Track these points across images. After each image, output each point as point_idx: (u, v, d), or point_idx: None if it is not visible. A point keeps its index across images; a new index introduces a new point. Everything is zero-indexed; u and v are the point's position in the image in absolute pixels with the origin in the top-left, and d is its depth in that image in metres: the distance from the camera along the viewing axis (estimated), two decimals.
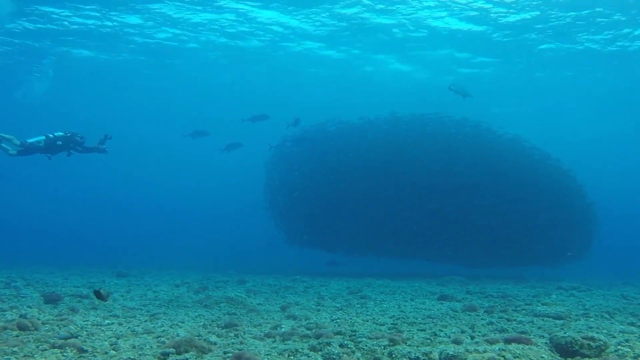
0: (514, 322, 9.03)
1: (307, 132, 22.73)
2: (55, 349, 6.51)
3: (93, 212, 56.58)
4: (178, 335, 7.57)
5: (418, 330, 8.23)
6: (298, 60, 33.13)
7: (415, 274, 20.90)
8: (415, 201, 20.50)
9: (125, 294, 12.95)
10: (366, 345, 6.87)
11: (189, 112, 46.89)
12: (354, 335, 7.69)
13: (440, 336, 7.71)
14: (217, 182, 58.09)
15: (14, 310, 9.47)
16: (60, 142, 14.53)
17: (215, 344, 7.07)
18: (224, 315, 9.67)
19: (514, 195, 20.15)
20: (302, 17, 26.50)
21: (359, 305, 11.28)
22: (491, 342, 7.12)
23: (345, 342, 6.99)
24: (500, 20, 25.37)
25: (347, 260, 23.44)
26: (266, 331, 8.07)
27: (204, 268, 24.72)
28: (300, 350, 6.66)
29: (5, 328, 7.55)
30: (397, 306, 11.24)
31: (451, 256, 21.22)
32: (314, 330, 8.05)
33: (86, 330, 7.78)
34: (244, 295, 11.74)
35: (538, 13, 24.29)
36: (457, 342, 7.22)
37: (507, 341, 6.96)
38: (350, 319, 9.37)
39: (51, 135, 14.55)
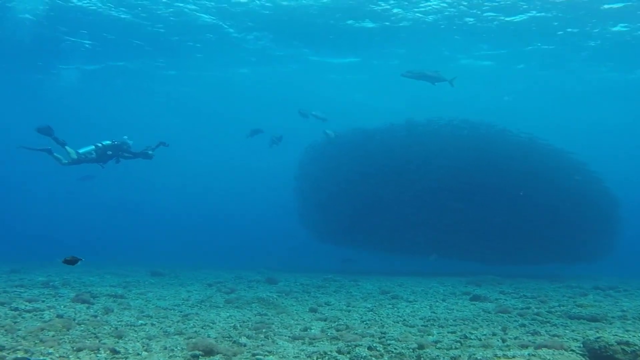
0: (548, 324, 8.93)
1: (343, 134, 22.81)
2: (89, 350, 6.63)
3: (128, 212, 57.26)
4: (209, 337, 7.65)
5: (448, 332, 8.19)
6: None
7: (448, 272, 20.82)
8: (446, 201, 20.52)
9: (158, 293, 13.10)
10: (395, 349, 6.87)
11: (219, 113, 47.51)
12: (384, 337, 7.69)
13: (470, 339, 7.67)
14: (249, 183, 58.41)
15: (51, 310, 9.66)
16: (111, 152, 14.92)
17: (244, 345, 7.13)
18: (255, 315, 9.73)
19: (542, 193, 20.18)
20: None
21: (390, 306, 11.27)
22: (522, 346, 7.05)
23: (374, 345, 7.00)
24: None
25: (364, 257, 23.64)
26: (296, 333, 8.11)
27: (237, 267, 24.89)
28: (328, 352, 6.69)
29: (42, 329, 7.70)
30: (428, 306, 11.21)
31: (482, 255, 21.16)
32: (343, 332, 8.07)
33: (120, 331, 7.90)
34: (274, 296, 11.82)
35: None
36: (487, 345, 7.16)
37: (538, 346, 6.85)
38: (381, 320, 9.37)
39: (100, 145, 14.93)
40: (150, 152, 15.15)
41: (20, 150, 14.56)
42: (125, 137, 15.72)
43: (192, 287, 14.53)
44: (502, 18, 24.64)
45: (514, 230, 20.41)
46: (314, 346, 7.20)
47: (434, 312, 10.34)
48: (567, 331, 8.26)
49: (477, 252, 21.04)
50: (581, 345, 6.93)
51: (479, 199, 20.31)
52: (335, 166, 22.49)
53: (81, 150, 14.91)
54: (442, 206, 20.57)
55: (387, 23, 25.92)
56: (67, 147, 14.69)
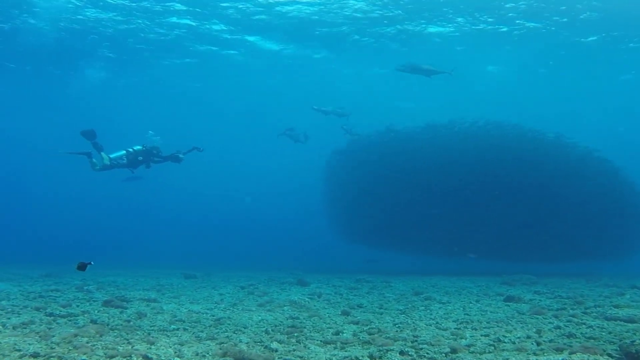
0: (583, 326, 8.76)
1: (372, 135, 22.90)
2: (122, 357, 6.67)
3: (161, 215, 57.78)
4: (241, 342, 7.65)
5: (482, 335, 8.08)
6: None
7: (481, 271, 20.68)
8: (477, 201, 20.49)
9: (191, 296, 13.16)
10: (427, 353, 6.80)
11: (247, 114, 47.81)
12: (416, 341, 7.62)
13: (504, 342, 7.56)
14: (280, 183, 58.61)
15: (85, 316, 9.75)
16: (141, 157, 15.10)
17: (276, 350, 7.11)
18: (287, 319, 9.72)
19: (574, 190, 20.28)
20: None
21: (422, 308, 11.18)
22: (557, 350, 6.93)
23: (406, 349, 6.94)
24: None
25: (397, 258, 23.69)
26: (328, 337, 8.07)
27: (269, 268, 25.00)
28: (359, 357, 6.65)
29: (76, 335, 7.77)
30: (462, 308, 11.10)
31: (515, 254, 21.06)
32: (375, 336, 8.02)
33: (152, 337, 7.94)
34: (306, 299, 11.82)
35: None
36: (520, 349, 7.04)
37: (572, 351, 6.71)
38: (413, 322, 9.29)
39: (131, 150, 15.12)
40: (181, 155, 15.28)
41: (57, 155, 14.79)
42: (151, 132, 15.90)
43: (224, 290, 14.58)
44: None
45: (547, 228, 20.31)
46: (346, 351, 7.16)
47: (467, 314, 10.23)
48: (603, 333, 8.09)
49: (510, 251, 20.91)
50: (617, 349, 6.80)
51: (510, 197, 20.25)
52: (363, 167, 22.50)
53: (112, 156, 15.09)
54: (473, 206, 20.49)
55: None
56: (102, 152, 14.88)
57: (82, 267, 8.34)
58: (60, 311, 10.04)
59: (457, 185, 20.55)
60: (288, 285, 16.09)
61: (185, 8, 26.17)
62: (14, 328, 8.37)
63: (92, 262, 8.31)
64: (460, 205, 20.73)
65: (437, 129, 21.90)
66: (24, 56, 32.16)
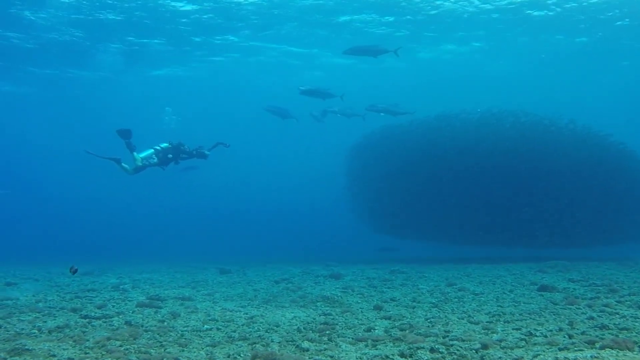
0: (617, 316, 8.65)
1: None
2: None
3: (196, 210, 58.28)
4: (272, 341, 7.72)
5: (513, 329, 8.03)
6: None
7: (516, 257, 20.57)
8: (508, 187, 20.43)
9: (225, 293, 13.29)
10: (457, 350, 6.79)
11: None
12: (447, 336, 7.61)
13: (536, 335, 7.52)
14: (309, 173, 58.71)
15: (120, 317, 9.92)
16: (171, 155, 15.24)
17: (307, 350, 7.16)
18: (320, 316, 9.76)
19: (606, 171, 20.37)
20: None
21: (455, 300, 11.15)
22: (589, 343, 6.87)
23: (437, 347, 6.93)
24: None
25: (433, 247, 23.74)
26: (359, 334, 8.11)
27: (304, 260, 25.08)
28: (390, 356, 6.66)
29: (109, 338, 7.90)
30: (495, 299, 11.04)
31: (549, 239, 20.91)
32: (406, 332, 8.03)
33: (185, 338, 8.03)
34: (339, 294, 11.86)
35: None
36: (552, 343, 6.99)
37: (603, 346, 6.62)
38: (445, 316, 9.28)
39: (159, 148, 15.21)
40: (206, 151, 15.38)
41: (86, 154, 14.93)
42: (168, 109, 16.08)
43: (259, 286, 14.69)
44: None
45: (580, 211, 20.20)
46: (377, 349, 7.18)
47: (500, 306, 10.18)
48: (636, 324, 7.99)
49: (544, 237, 20.74)
50: None
51: (543, 183, 20.16)
52: (389, 156, 22.46)
53: (142, 155, 15.19)
54: (505, 192, 20.39)
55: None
56: (133, 152, 15.00)
57: (73, 271, 8.64)
58: (95, 313, 10.23)
59: (488, 172, 20.43)
60: (322, 278, 16.15)
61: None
62: (49, 332, 8.56)
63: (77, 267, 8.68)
64: (491, 192, 20.61)
65: (468, 115, 21.80)
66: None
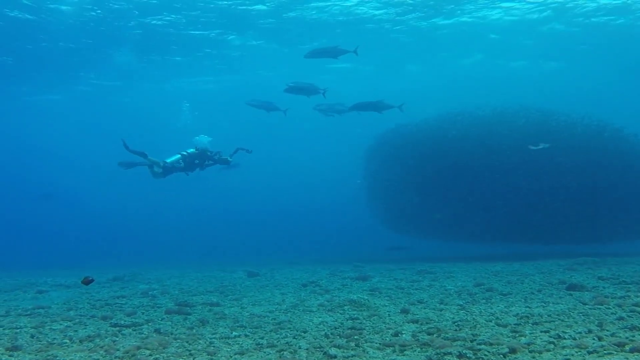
0: None
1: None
2: None
3: (224, 213, 58.55)
4: (300, 348, 7.76)
5: (541, 331, 7.97)
6: None
7: (544, 253, 20.41)
8: (538, 183, 20.32)
9: (253, 298, 13.35)
10: (485, 355, 6.78)
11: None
12: (474, 340, 7.58)
13: (564, 338, 7.45)
14: (332, 172, 58.72)
15: (149, 324, 10.03)
16: (197, 161, 15.53)
17: (334, 357, 7.18)
18: (347, 320, 9.77)
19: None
20: None
21: (483, 301, 11.10)
22: (618, 345, 6.81)
23: (464, 352, 6.91)
24: None
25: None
26: (387, 339, 8.11)
27: (331, 260, 25.08)
28: None
29: (139, 347, 7.99)
30: (523, 300, 10.97)
31: (578, 235, 20.76)
32: (434, 337, 8.01)
33: (214, 346, 8.09)
34: (366, 297, 11.83)
35: None
36: (581, 346, 6.94)
37: (633, 347, 6.57)
38: (473, 319, 9.23)
39: (185, 153, 15.53)
40: (228, 157, 15.64)
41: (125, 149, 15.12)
42: (187, 104, 16.39)
43: (286, 289, 14.74)
44: None
45: (609, 206, 20.06)
46: (404, 354, 7.20)
47: (529, 307, 10.10)
48: None
49: (574, 232, 20.58)
50: None
51: (571, 177, 20.03)
52: (408, 154, 22.42)
53: (169, 160, 15.50)
54: (533, 188, 20.28)
55: None
56: (153, 158, 15.26)
57: (87, 282, 8.82)
58: (125, 321, 10.34)
59: (516, 168, 20.34)
60: (350, 280, 16.15)
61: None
62: (80, 342, 8.68)
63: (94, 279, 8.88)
64: (519, 188, 20.50)
65: (491, 111, 21.72)
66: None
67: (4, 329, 10.13)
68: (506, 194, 20.52)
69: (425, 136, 22.15)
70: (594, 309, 9.44)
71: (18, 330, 9.90)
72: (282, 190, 61.35)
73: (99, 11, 26.74)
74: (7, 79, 37.18)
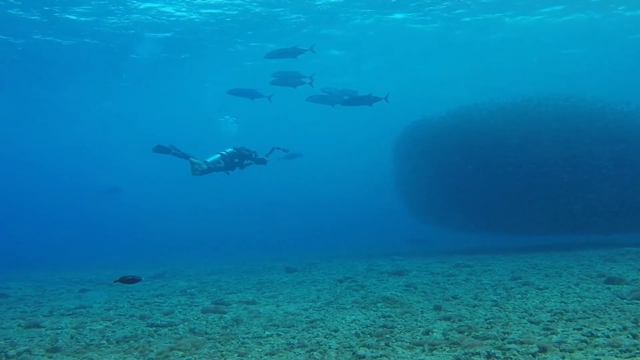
0: None
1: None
2: None
3: (262, 209, 58.85)
4: (330, 348, 7.79)
5: (574, 329, 7.84)
6: None
7: (585, 243, 20.14)
8: (575, 171, 20.06)
9: (289, 295, 13.44)
10: (514, 355, 6.70)
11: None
12: (505, 339, 7.50)
13: (597, 336, 7.32)
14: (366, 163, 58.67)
15: (185, 324, 10.18)
16: (237, 160, 15.82)
17: (363, 357, 7.19)
18: (379, 318, 9.76)
19: None
20: None
21: (519, 296, 10.95)
22: None
23: (493, 351, 6.85)
24: None
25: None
26: (417, 338, 8.08)
27: (369, 254, 25.05)
28: None
29: (172, 349, 8.11)
30: (559, 294, 10.80)
31: (620, 223, 20.40)
32: (464, 335, 7.96)
33: (245, 346, 8.18)
34: (399, 294, 11.78)
35: None
36: (614, 344, 6.80)
37: None
38: (506, 315, 9.13)
39: (224, 153, 15.82)
40: (265, 157, 15.81)
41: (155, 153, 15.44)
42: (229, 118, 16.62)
43: (322, 285, 14.78)
44: None
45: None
46: (432, 354, 7.17)
47: (564, 302, 9.94)
48: None
49: (615, 222, 20.21)
50: None
51: (604, 166, 19.75)
52: (440, 146, 22.23)
53: (209, 160, 15.80)
54: (570, 176, 20.00)
55: None
56: (194, 159, 15.53)
57: (127, 280, 8.99)
58: (162, 320, 10.53)
59: (548, 158, 20.07)
60: (386, 275, 16.10)
61: None
62: (117, 343, 8.85)
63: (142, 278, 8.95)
64: (555, 178, 20.21)
65: (523, 102, 21.45)
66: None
67: (46, 330, 10.42)
68: (546, 184, 20.21)
69: (457, 128, 21.95)
70: (631, 304, 9.24)
71: (59, 331, 10.15)
72: (321, 184, 61.52)
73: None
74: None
